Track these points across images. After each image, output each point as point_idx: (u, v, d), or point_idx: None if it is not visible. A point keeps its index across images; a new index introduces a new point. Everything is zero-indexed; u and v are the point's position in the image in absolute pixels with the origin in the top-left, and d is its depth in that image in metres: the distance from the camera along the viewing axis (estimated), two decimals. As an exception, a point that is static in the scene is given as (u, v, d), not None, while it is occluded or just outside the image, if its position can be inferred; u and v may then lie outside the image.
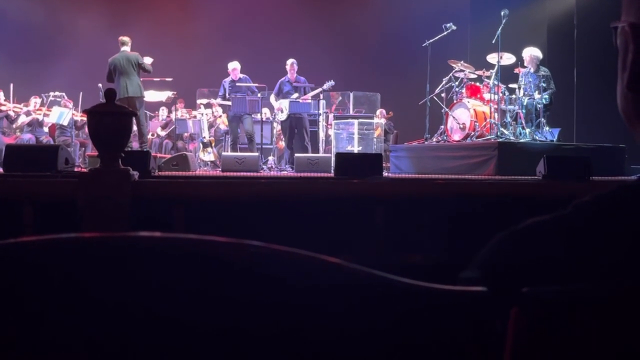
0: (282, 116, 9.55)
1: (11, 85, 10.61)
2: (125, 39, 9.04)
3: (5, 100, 10.68)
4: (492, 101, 8.00)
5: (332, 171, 6.03)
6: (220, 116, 11.40)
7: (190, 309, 0.50)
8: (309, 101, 9.45)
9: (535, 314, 0.55)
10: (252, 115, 9.55)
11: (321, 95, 9.74)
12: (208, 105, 11.69)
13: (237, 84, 9.68)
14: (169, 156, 9.43)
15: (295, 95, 9.50)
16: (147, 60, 9.09)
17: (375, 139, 10.09)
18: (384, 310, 0.54)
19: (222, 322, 0.50)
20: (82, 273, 0.50)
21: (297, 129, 9.46)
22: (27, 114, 10.57)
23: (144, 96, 9.10)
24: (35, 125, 10.54)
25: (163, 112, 12.47)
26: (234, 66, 9.77)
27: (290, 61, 9.69)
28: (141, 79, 8.94)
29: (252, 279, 0.51)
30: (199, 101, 12.11)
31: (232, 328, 0.51)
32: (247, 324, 0.51)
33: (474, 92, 8.37)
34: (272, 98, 9.74)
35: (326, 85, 9.66)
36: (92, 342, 0.50)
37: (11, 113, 10.50)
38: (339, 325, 0.52)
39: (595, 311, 0.55)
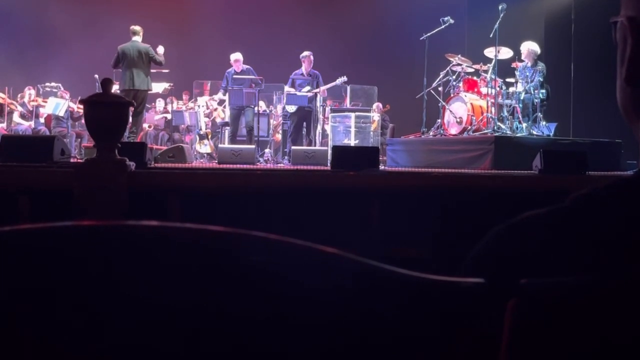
0: (292, 108, 9.46)
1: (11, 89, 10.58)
2: (137, 28, 8.67)
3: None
4: (489, 95, 8.01)
5: (329, 164, 6.03)
6: (216, 109, 11.37)
7: (186, 297, 0.50)
8: (304, 94, 9.37)
9: (533, 306, 0.55)
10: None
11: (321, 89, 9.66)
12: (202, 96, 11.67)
13: (240, 75, 9.49)
14: (165, 148, 9.41)
15: (307, 88, 9.39)
16: (160, 50, 8.77)
17: (372, 132, 10.08)
18: (380, 300, 0.54)
19: (218, 311, 0.50)
20: (78, 261, 0.49)
21: (306, 122, 9.41)
22: (23, 105, 10.52)
23: (151, 89, 8.82)
24: (29, 116, 10.49)
25: (160, 103, 12.44)
26: (236, 57, 9.48)
27: (306, 53, 9.52)
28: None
29: (248, 268, 0.51)
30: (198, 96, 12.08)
31: (228, 317, 0.50)
32: (244, 313, 0.51)
33: (471, 86, 8.37)
34: (287, 90, 9.62)
35: (339, 81, 9.60)
36: (89, 331, 0.50)
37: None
38: (334, 314, 0.52)
39: (592, 303, 0.56)
